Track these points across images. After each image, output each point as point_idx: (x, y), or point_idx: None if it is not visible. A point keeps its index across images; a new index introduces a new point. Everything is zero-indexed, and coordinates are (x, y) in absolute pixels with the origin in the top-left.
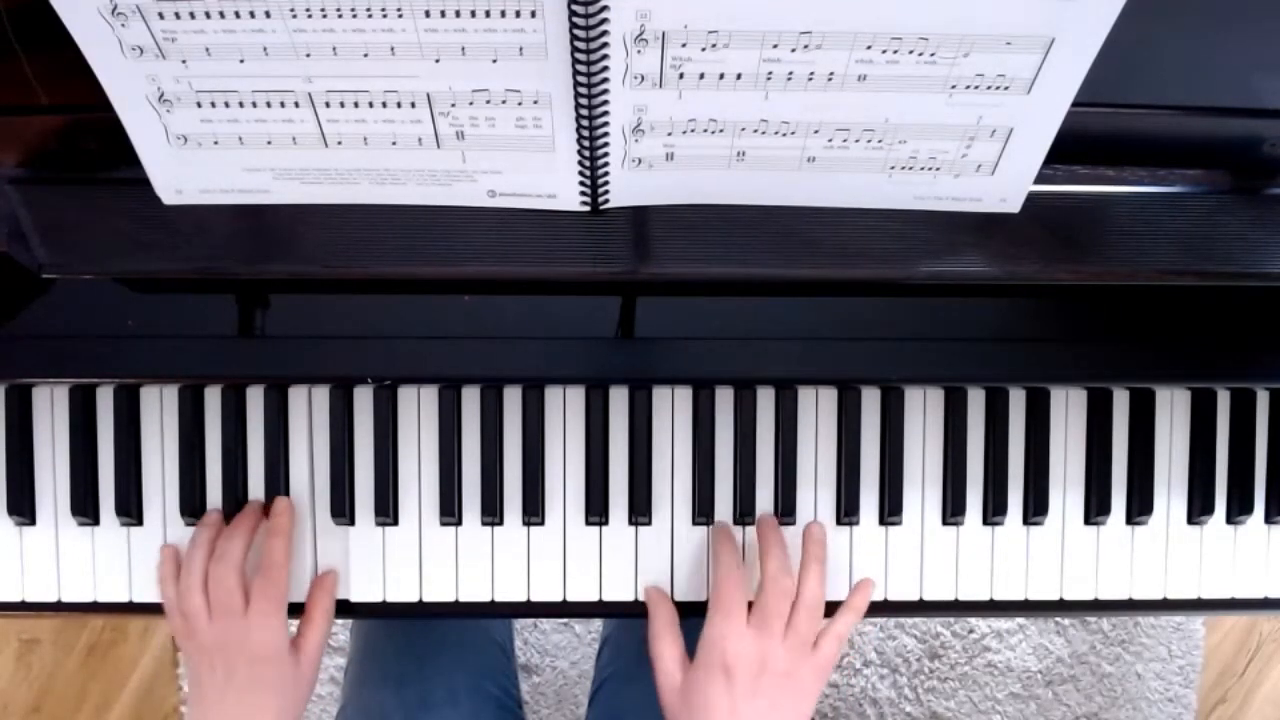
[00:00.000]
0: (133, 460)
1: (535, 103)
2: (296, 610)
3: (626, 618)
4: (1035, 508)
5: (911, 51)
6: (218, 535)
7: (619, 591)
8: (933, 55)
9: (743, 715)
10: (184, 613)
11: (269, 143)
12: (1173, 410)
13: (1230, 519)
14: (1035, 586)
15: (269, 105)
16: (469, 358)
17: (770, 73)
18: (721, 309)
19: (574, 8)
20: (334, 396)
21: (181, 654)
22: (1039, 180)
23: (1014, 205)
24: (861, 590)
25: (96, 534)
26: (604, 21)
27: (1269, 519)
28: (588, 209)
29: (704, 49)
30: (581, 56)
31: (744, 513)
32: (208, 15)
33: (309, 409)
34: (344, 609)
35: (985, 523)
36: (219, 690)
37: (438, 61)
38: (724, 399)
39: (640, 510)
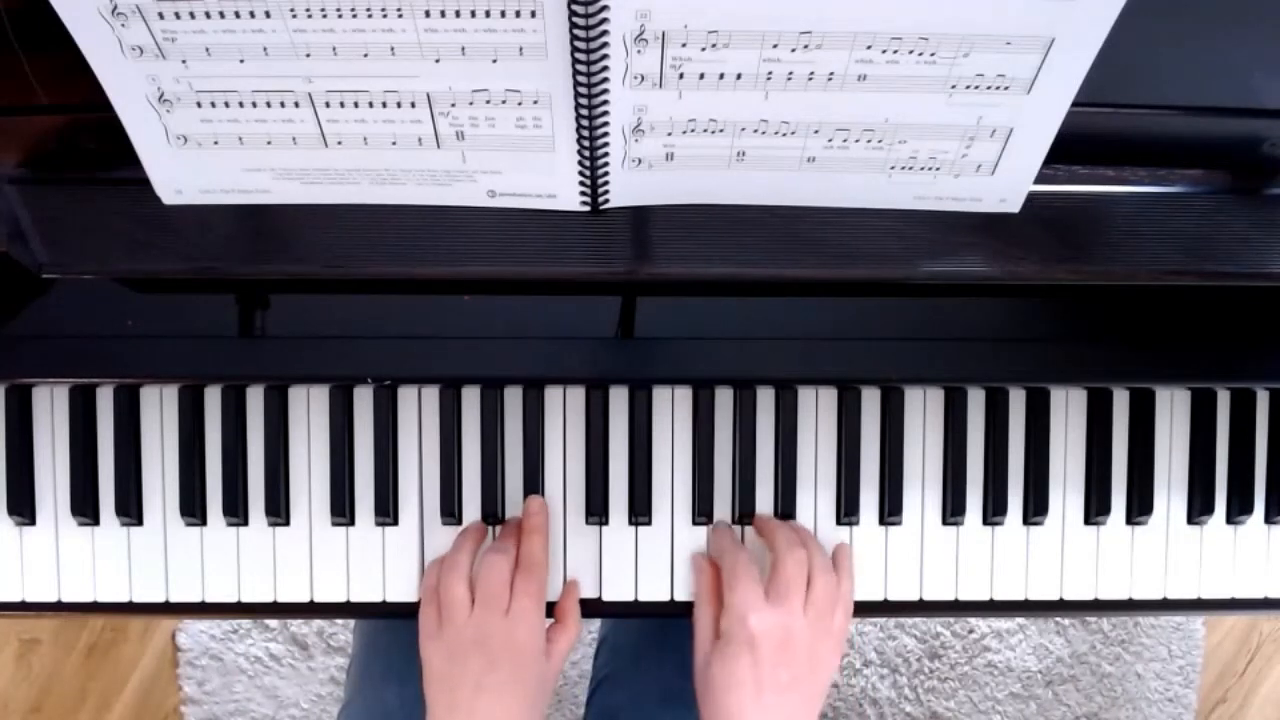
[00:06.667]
0: (133, 460)
1: (535, 103)
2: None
3: (625, 618)
4: (1035, 508)
5: (911, 51)
6: (483, 538)
7: (619, 592)
8: (933, 55)
9: (766, 689)
10: (444, 602)
11: (269, 143)
12: (1173, 410)
13: (1230, 519)
14: (1035, 586)
15: (269, 105)
16: (469, 358)
17: (770, 73)
18: (721, 309)
19: (574, 8)
20: (334, 396)
21: (425, 652)
22: (1039, 180)
23: (1014, 205)
24: (843, 551)
25: (96, 534)
26: (604, 21)
27: (1269, 519)
28: (588, 209)
29: (704, 49)
30: (581, 56)
31: (744, 513)
32: (208, 15)
33: (308, 409)
34: (343, 609)
35: (985, 523)
36: (473, 685)
37: (438, 61)
38: (724, 399)
39: (640, 510)
